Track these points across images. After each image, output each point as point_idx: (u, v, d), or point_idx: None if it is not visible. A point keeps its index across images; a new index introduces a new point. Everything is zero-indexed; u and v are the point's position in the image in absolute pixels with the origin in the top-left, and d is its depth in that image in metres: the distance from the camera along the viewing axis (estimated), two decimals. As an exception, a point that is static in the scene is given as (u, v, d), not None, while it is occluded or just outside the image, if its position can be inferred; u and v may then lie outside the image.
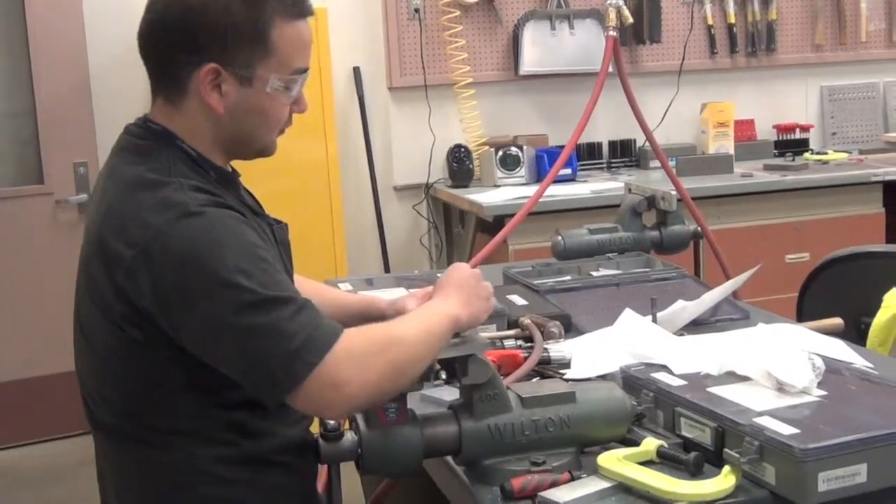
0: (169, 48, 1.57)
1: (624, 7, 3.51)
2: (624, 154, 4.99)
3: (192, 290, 1.44)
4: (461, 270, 1.71)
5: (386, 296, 2.05)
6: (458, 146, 4.68)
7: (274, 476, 1.61)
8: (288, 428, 1.64)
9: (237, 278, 1.42)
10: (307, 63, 1.63)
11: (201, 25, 1.54)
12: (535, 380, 1.82)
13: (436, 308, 1.61)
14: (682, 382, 1.67)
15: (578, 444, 1.55)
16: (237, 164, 1.74)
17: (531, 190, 3.74)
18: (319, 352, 1.42)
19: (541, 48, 4.78)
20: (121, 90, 4.31)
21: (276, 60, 1.57)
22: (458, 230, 4.73)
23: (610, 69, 3.46)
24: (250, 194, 1.75)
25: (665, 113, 4.94)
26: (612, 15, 3.15)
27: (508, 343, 1.98)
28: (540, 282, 2.46)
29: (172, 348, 1.50)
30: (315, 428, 1.61)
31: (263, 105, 1.60)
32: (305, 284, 1.95)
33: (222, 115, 1.58)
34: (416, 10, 4.72)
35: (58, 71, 4.41)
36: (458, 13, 4.68)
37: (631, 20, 4.56)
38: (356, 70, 4.73)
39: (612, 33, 3.02)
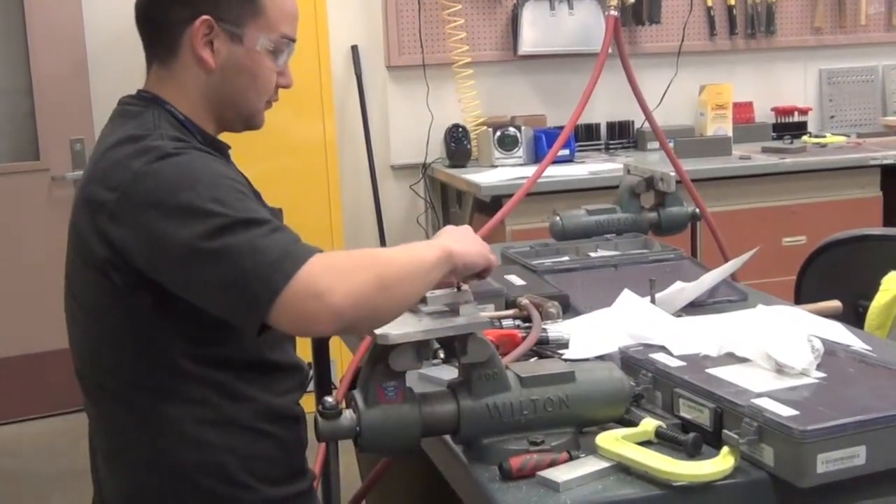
0: (163, 6, 1.64)
1: (625, -14, 3.49)
2: (622, 135, 4.98)
3: (169, 224, 1.47)
4: (454, 227, 1.69)
5: None
6: (456, 126, 4.67)
7: (256, 444, 1.62)
8: (273, 397, 1.66)
9: (210, 206, 1.46)
10: (294, 34, 1.70)
11: None
12: (533, 360, 1.82)
13: (426, 242, 1.59)
14: (680, 363, 1.67)
15: (577, 424, 1.55)
16: (234, 142, 1.76)
17: (529, 170, 3.72)
18: (297, 262, 1.40)
19: (540, 28, 4.76)
20: (118, 68, 4.28)
21: (265, 21, 1.65)
22: (455, 210, 4.72)
23: (609, 50, 3.44)
24: (243, 176, 1.75)
25: (664, 94, 4.93)
26: (613, -6, 3.12)
27: (506, 323, 1.97)
28: (538, 262, 2.46)
29: (153, 295, 1.53)
30: (311, 409, 1.60)
31: (253, 65, 1.66)
32: None
33: (213, 72, 1.64)
34: (415, -11, 4.70)
35: (55, 48, 4.39)
36: (457, -8, 4.66)
37: (632, 0, 4.57)
38: (354, 49, 4.71)
39: (614, 13, 2.98)
